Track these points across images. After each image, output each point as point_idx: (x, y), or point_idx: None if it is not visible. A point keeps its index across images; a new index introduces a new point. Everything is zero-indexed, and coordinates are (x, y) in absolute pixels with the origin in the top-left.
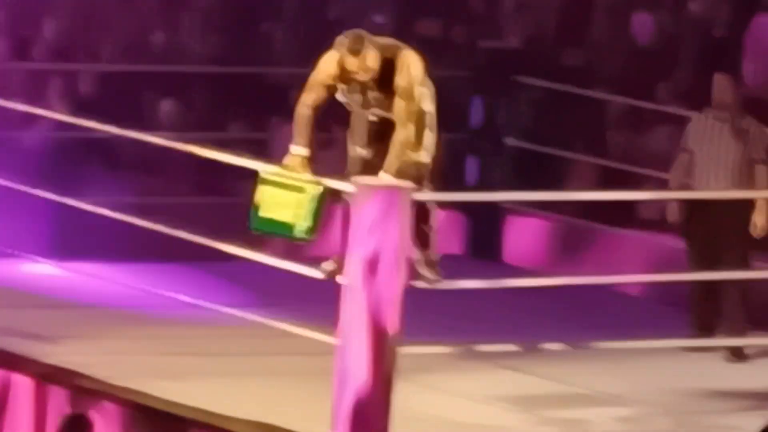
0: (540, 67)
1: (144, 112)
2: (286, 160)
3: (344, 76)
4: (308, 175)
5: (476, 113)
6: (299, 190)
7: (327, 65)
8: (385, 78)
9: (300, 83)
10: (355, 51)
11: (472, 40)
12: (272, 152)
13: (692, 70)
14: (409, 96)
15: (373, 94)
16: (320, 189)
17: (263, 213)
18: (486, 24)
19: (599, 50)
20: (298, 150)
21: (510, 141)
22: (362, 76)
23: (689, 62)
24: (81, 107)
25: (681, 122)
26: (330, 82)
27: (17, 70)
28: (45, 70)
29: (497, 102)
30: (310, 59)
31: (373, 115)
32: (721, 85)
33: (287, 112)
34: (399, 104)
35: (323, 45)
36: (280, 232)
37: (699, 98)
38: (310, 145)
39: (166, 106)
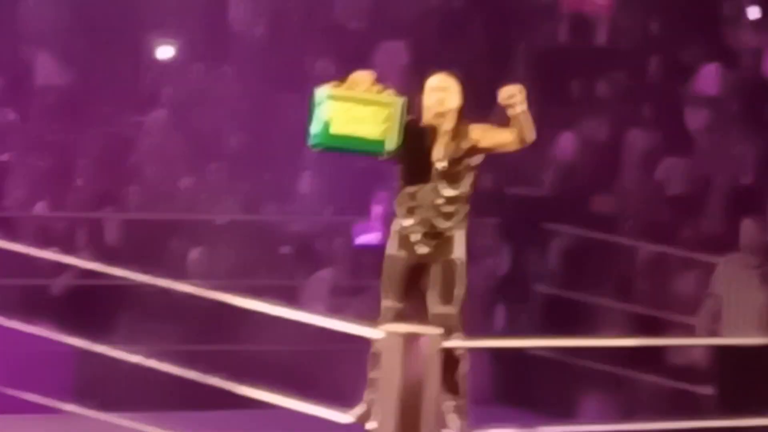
0: (568, 213)
1: (172, 260)
2: (356, 76)
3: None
4: (388, 91)
5: (504, 260)
6: (383, 105)
7: None
8: (457, 135)
9: (327, 231)
10: (449, 76)
11: (500, 186)
12: (301, 300)
13: (720, 216)
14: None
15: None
16: (402, 102)
17: (337, 130)
18: (514, 171)
19: (627, 197)
20: (367, 71)
21: (538, 287)
22: (443, 104)
23: (717, 209)
24: (108, 255)
25: (708, 268)
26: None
27: (46, 218)
28: (73, 218)
29: (525, 249)
30: (336, 207)
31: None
32: (749, 230)
33: (315, 260)
34: (486, 134)
35: (350, 192)
36: (361, 147)
37: (726, 244)
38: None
39: (194, 254)
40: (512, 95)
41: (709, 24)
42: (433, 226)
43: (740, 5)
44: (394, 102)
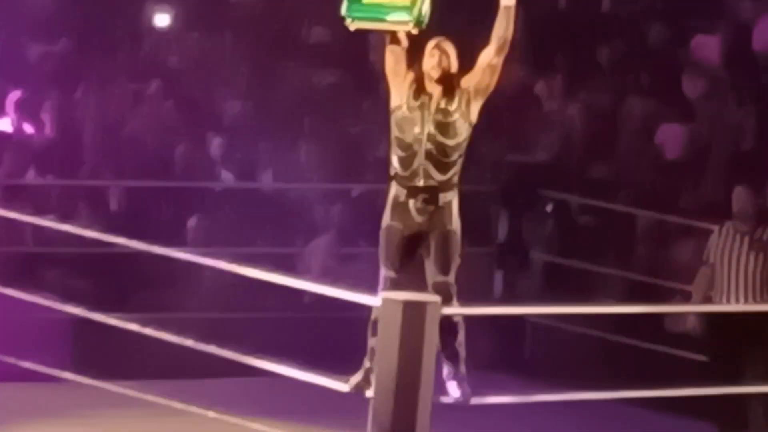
0: (566, 181)
1: (171, 228)
2: None
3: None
4: None
5: (503, 227)
6: None
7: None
8: (448, 88)
9: (325, 198)
10: (447, 41)
11: (499, 154)
12: (299, 267)
13: (719, 182)
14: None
15: (436, 101)
16: None
17: (368, 0)
18: (512, 138)
19: (626, 164)
20: None
21: (536, 254)
22: (442, 64)
23: (716, 175)
24: (108, 223)
25: (707, 235)
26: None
27: (46, 186)
28: (73, 186)
29: (523, 216)
30: (335, 175)
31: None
32: (741, 197)
33: (313, 227)
34: (471, 72)
35: (348, 161)
36: (390, 17)
37: (726, 211)
38: None
39: (193, 222)
40: None
41: None
42: (428, 176)
43: None
44: None
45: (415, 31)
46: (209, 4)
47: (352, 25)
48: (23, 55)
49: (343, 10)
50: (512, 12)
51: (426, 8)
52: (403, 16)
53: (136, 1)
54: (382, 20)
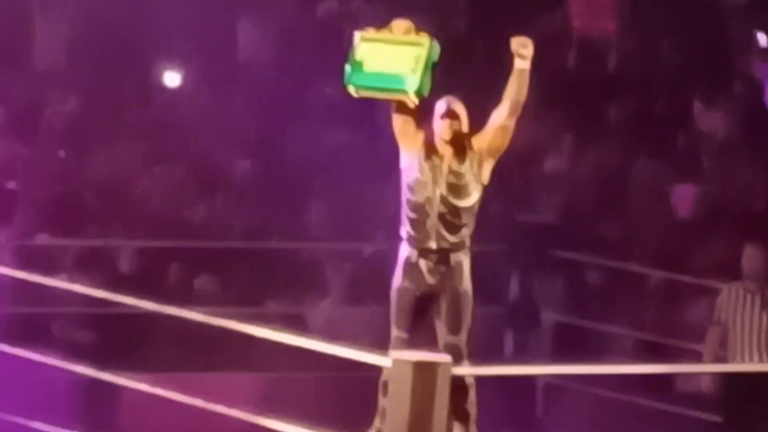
0: (576, 240)
1: (181, 288)
2: (395, 22)
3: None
4: (423, 35)
5: (513, 287)
6: (415, 44)
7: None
8: (459, 149)
9: (334, 258)
10: (458, 102)
11: (509, 214)
12: (308, 327)
13: (730, 242)
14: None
15: (447, 163)
16: (436, 46)
17: (369, 68)
18: (521, 198)
19: (636, 223)
20: (406, 20)
21: (547, 314)
22: (454, 132)
23: (728, 235)
24: (115, 283)
25: (718, 294)
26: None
27: (56, 246)
28: (82, 246)
29: (534, 276)
30: (344, 234)
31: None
32: (751, 256)
33: (322, 288)
34: (483, 133)
35: (357, 220)
36: (392, 86)
37: (737, 270)
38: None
39: (202, 282)
40: (527, 45)
41: (719, 49)
42: (440, 237)
43: (749, 32)
44: (423, 42)
45: (416, 102)
46: (219, 62)
47: (355, 93)
48: (32, 113)
49: (346, 78)
50: (526, 75)
51: (427, 78)
52: (405, 85)
53: (145, 60)
54: (384, 89)
